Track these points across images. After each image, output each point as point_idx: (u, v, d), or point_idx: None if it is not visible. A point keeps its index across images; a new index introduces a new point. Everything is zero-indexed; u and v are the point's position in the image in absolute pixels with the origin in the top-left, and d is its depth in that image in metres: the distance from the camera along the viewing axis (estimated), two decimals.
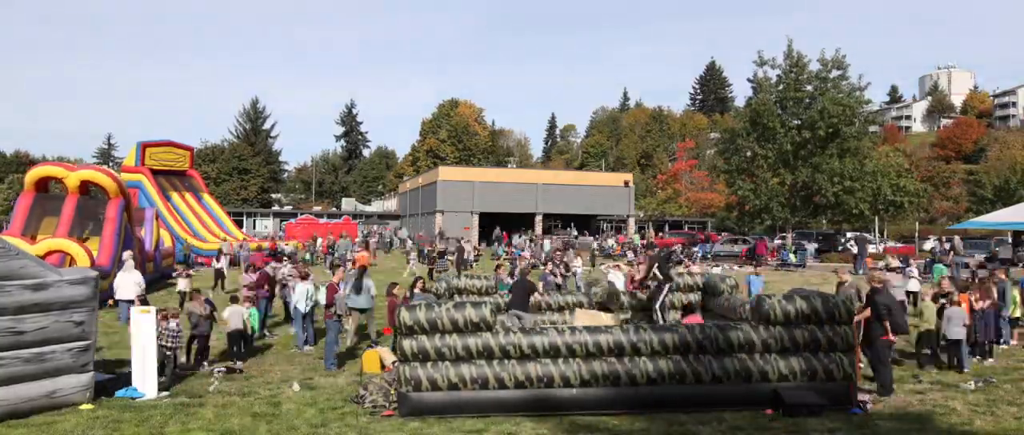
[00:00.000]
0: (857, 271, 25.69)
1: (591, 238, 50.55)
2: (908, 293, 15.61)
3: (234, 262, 27.12)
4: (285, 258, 20.68)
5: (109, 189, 20.93)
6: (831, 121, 34.90)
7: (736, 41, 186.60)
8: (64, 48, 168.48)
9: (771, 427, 8.15)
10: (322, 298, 13.42)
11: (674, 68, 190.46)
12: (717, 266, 27.36)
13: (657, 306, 11.77)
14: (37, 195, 20.87)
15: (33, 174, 21.09)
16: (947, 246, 31.73)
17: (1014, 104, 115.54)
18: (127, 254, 17.85)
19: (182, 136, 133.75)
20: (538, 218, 57.70)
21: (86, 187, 21.42)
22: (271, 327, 15.10)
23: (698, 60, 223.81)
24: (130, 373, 9.79)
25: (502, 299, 13.02)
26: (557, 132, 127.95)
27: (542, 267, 23.20)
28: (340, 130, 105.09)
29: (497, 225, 52.80)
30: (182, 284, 17.90)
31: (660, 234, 59.43)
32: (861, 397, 9.04)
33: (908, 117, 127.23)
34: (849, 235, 41.55)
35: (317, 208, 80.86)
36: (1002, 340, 12.58)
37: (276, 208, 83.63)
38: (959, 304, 11.25)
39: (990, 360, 11.64)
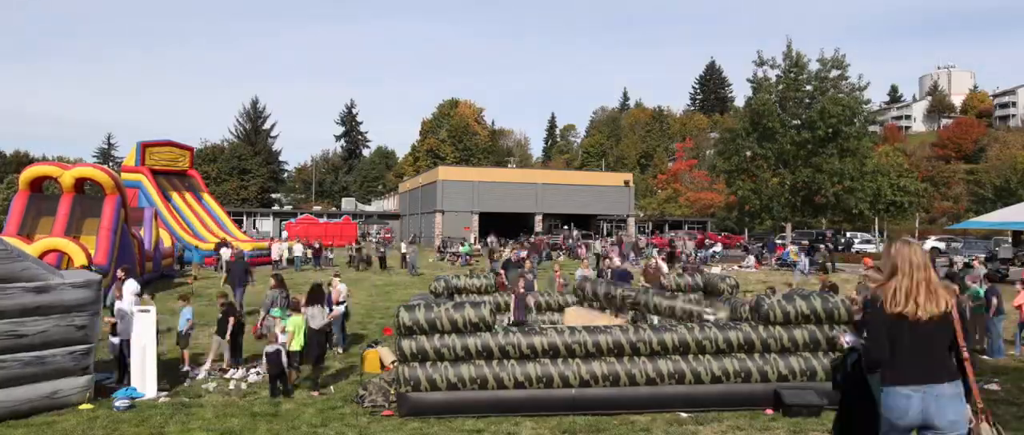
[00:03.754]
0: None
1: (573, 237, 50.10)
2: None
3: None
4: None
5: (105, 185, 20.89)
6: (831, 121, 34.89)
7: (736, 41, 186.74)
8: (64, 47, 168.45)
9: (771, 427, 8.15)
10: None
11: (674, 68, 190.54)
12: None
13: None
14: (32, 195, 20.84)
15: (28, 174, 21.05)
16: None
17: (1014, 104, 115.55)
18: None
19: (182, 136, 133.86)
20: (538, 218, 57.69)
21: (81, 185, 21.38)
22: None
23: (698, 60, 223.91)
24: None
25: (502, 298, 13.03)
26: (557, 132, 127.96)
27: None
28: (340, 130, 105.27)
29: (491, 231, 52.57)
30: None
31: (658, 233, 59.44)
32: None
33: (908, 117, 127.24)
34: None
35: (317, 208, 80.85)
36: None
37: (276, 208, 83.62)
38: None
39: None
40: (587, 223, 61.48)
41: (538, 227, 56.96)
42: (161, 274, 26.28)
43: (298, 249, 33.38)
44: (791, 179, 36.60)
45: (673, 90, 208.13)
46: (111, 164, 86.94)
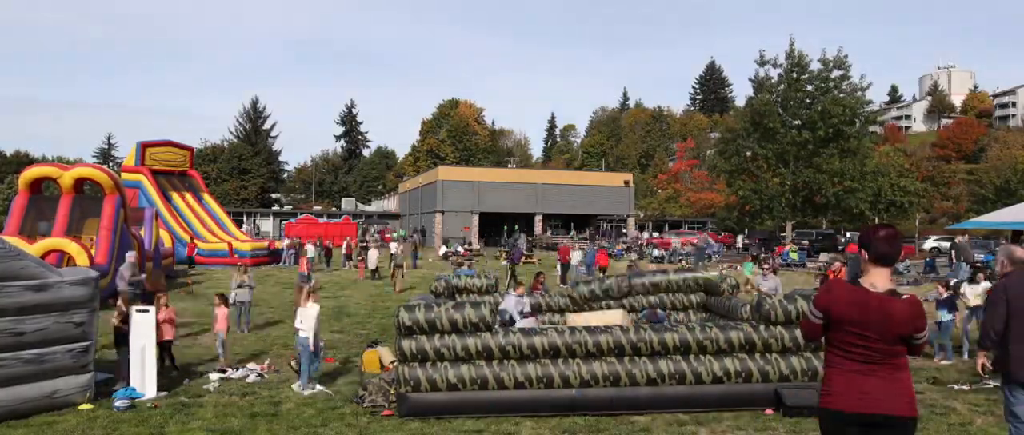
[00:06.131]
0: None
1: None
2: None
3: None
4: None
5: (105, 185, 20.87)
6: (832, 122, 34.88)
7: (736, 41, 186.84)
8: (64, 47, 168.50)
9: (771, 427, 8.14)
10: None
11: (674, 68, 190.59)
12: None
13: None
14: (32, 195, 20.81)
15: (27, 175, 21.02)
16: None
17: (1014, 104, 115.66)
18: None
19: (182, 136, 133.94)
20: (538, 218, 57.68)
21: (81, 186, 21.37)
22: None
23: (698, 60, 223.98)
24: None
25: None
26: (557, 132, 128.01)
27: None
28: (340, 130, 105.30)
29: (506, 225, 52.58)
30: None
31: (658, 234, 59.38)
32: None
33: (908, 117, 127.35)
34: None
35: (317, 208, 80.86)
36: None
37: (276, 208, 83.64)
38: None
39: None
40: (587, 223, 61.49)
41: (538, 228, 56.94)
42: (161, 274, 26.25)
43: (310, 249, 33.29)
44: (791, 179, 36.59)
45: (673, 90, 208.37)
46: (111, 164, 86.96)
